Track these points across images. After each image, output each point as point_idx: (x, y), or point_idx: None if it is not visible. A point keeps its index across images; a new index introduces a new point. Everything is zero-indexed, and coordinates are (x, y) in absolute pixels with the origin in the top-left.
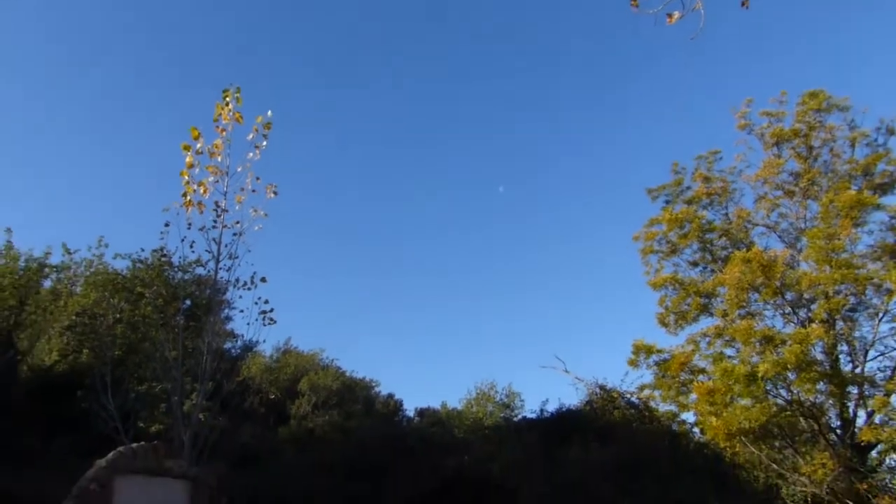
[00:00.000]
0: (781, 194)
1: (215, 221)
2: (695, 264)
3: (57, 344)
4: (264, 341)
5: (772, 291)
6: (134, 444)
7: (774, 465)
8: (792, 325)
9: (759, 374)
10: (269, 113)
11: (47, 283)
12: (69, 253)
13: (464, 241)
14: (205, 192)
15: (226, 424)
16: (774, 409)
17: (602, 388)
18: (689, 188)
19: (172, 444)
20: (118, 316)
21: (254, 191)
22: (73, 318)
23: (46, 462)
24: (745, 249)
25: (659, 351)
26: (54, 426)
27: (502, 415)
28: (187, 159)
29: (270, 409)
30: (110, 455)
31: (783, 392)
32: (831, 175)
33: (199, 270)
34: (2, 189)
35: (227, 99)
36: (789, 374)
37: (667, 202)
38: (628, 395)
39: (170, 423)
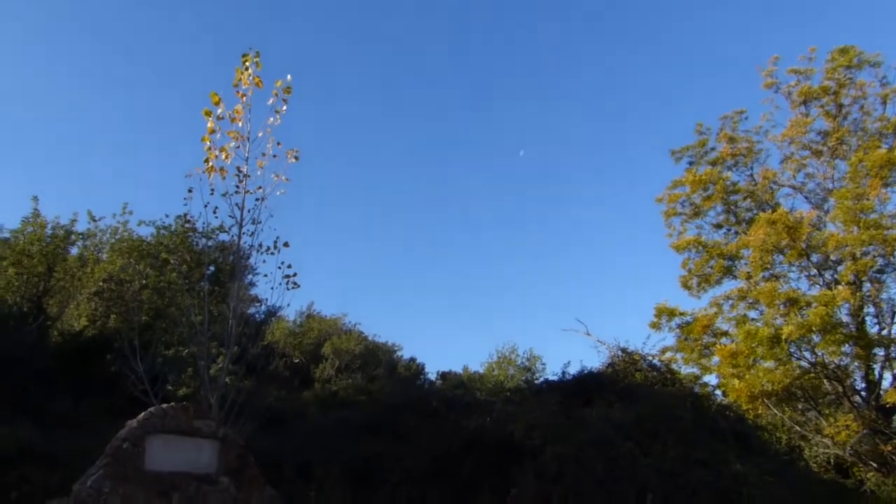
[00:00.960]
0: (809, 154)
1: (237, 187)
2: (718, 226)
3: (85, 309)
4: (288, 305)
5: (797, 253)
6: (164, 405)
7: (797, 427)
8: (817, 287)
9: (783, 337)
10: (289, 77)
11: (74, 251)
12: (94, 220)
13: (485, 206)
14: (227, 157)
15: (252, 387)
16: (798, 371)
17: (624, 350)
18: (713, 149)
19: (200, 405)
20: (144, 282)
21: (275, 156)
22: (101, 284)
23: (78, 423)
24: (770, 211)
25: (681, 314)
26: (84, 389)
27: (523, 378)
28: (209, 125)
29: (295, 373)
30: (141, 415)
31: (807, 354)
32: (861, 134)
33: (223, 236)
34: (27, 157)
35: (247, 64)
36: (814, 337)
37: (690, 164)
38: (650, 358)
39: (197, 386)
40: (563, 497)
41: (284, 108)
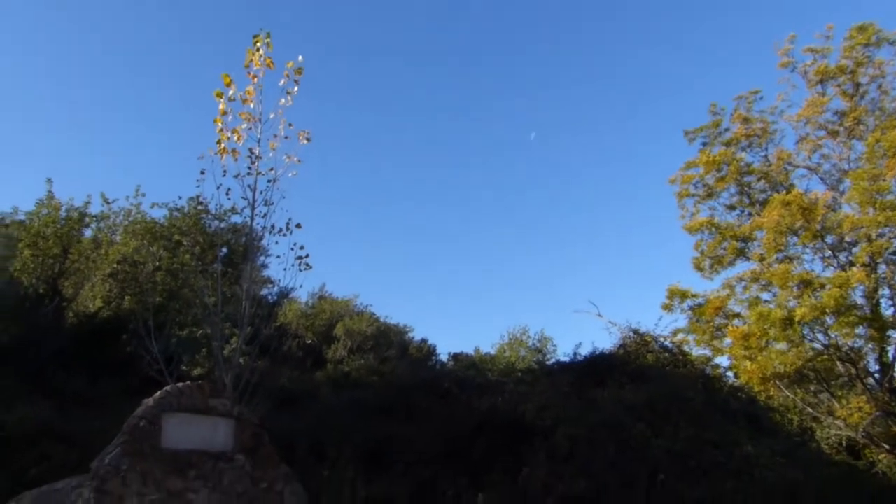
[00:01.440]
0: (824, 134)
1: (250, 168)
2: (732, 208)
3: (100, 291)
4: (301, 286)
5: (811, 235)
6: (179, 384)
7: (809, 409)
8: (832, 268)
9: (796, 319)
10: (300, 58)
11: (88, 233)
12: (108, 202)
13: (496, 189)
14: (239, 139)
15: (265, 368)
16: (811, 353)
17: (636, 332)
18: (727, 130)
19: (215, 385)
20: (157, 264)
21: (286, 137)
22: (115, 266)
23: (94, 403)
24: (784, 192)
25: (693, 296)
26: (101, 369)
27: (535, 359)
28: (220, 106)
29: (307, 354)
30: (157, 394)
31: (820, 336)
32: (878, 113)
33: (235, 218)
34: (40, 139)
35: (258, 45)
36: (827, 319)
37: (704, 144)
38: (662, 340)
39: (211, 366)
40: (575, 477)
41: (296, 89)
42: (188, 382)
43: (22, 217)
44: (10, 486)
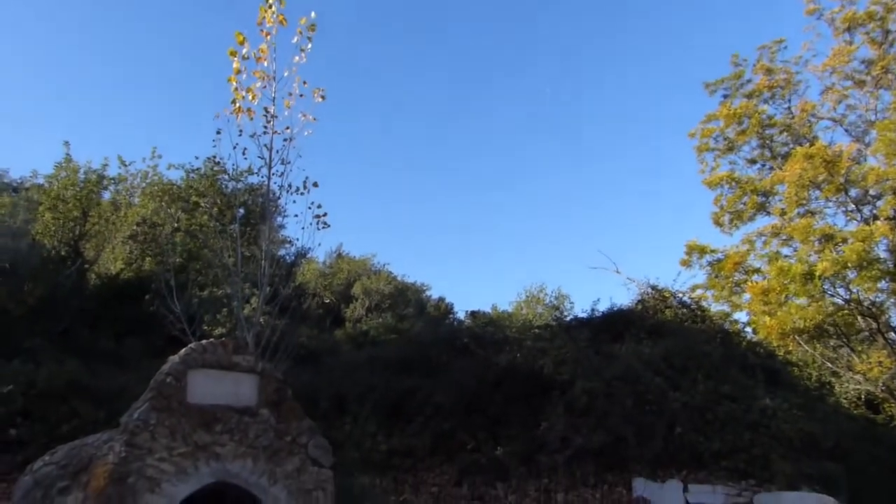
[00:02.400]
0: (851, 84)
1: (265, 127)
2: (753, 162)
3: (121, 253)
4: (319, 245)
5: (835, 188)
6: (203, 341)
7: (828, 364)
8: (854, 222)
9: (817, 273)
10: (313, 14)
11: (106, 195)
12: (125, 165)
13: (512, 146)
14: (253, 98)
15: (285, 327)
16: (831, 308)
17: (654, 287)
18: (749, 81)
19: (237, 343)
20: (176, 225)
21: (301, 95)
22: (134, 227)
23: (120, 361)
24: (807, 145)
25: (712, 251)
26: (124, 329)
27: (552, 316)
28: (234, 65)
29: (326, 313)
30: (182, 351)
31: (841, 291)
32: None
33: (251, 179)
34: (55, 103)
35: (271, 1)
36: (849, 273)
37: (725, 97)
38: (680, 295)
39: (232, 325)
40: (592, 430)
41: (309, 46)
42: (212, 339)
43: (41, 181)
44: (44, 442)
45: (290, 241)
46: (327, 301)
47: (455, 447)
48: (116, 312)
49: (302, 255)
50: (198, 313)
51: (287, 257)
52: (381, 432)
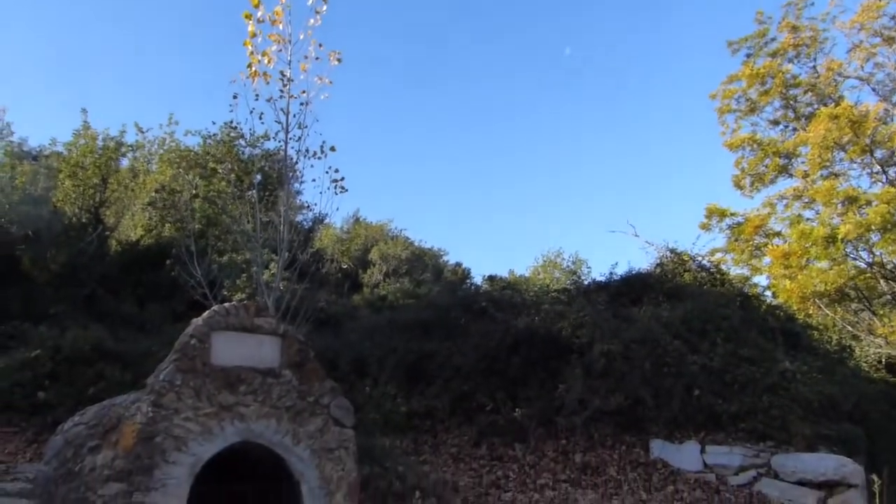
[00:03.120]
0: (879, 41)
1: (282, 91)
2: (775, 123)
3: (141, 220)
4: (337, 209)
5: (860, 149)
6: (226, 304)
7: (849, 328)
8: (879, 184)
9: (840, 236)
10: None
11: (124, 162)
12: (142, 132)
13: (529, 108)
14: (269, 62)
15: (304, 292)
16: (853, 271)
17: (673, 251)
18: (773, 39)
19: (259, 306)
20: (194, 191)
21: (317, 58)
22: (153, 194)
23: (143, 326)
24: (832, 105)
25: (733, 214)
26: (146, 295)
27: (569, 280)
28: (249, 28)
29: (344, 278)
30: (206, 314)
31: (864, 254)
32: None
33: (269, 145)
34: (71, 71)
35: None
36: (872, 236)
37: (748, 56)
38: (699, 259)
39: (252, 290)
40: (610, 392)
41: (325, 7)
42: (234, 302)
43: (60, 148)
44: (72, 404)
45: (307, 207)
46: (345, 266)
47: (474, 409)
48: (138, 278)
49: (319, 220)
50: (218, 278)
51: (304, 223)
52: (401, 394)
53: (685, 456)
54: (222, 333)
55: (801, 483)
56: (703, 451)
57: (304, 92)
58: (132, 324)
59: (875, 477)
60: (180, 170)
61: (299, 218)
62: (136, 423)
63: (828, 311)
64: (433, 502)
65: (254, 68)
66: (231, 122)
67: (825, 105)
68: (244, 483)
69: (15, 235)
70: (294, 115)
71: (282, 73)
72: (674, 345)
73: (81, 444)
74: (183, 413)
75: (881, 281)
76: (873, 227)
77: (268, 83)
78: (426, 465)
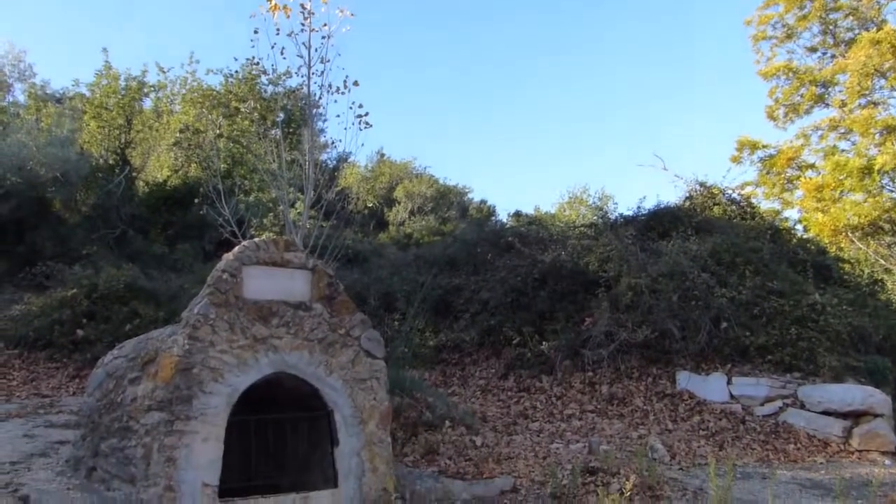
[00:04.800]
0: None
1: (303, 25)
2: (813, 50)
3: (166, 160)
4: (362, 146)
5: None
6: (256, 239)
7: (881, 261)
8: None
9: (876, 167)
10: None
11: (147, 103)
12: (163, 72)
13: (554, 39)
14: None
15: (330, 230)
16: (888, 203)
17: (702, 184)
18: None
19: (288, 241)
20: (218, 131)
21: None
22: (177, 135)
23: (174, 265)
24: (874, 29)
25: (765, 146)
26: (175, 234)
27: (596, 215)
28: None
29: (370, 217)
30: (236, 249)
31: None
32: None
33: (290, 82)
34: (89, 11)
35: None
36: None
37: None
38: (729, 192)
39: (280, 229)
40: (637, 325)
41: None
42: (264, 238)
43: (83, 89)
44: (109, 340)
45: (332, 145)
46: (370, 205)
47: (501, 342)
48: (167, 218)
49: (343, 158)
50: (245, 217)
51: (329, 162)
52: (429, 328)
53: (711, 387)
54: (253, 268)
55: (827, 413)
56: (729, 382)
57: (325, 25)
58: (163, 263)
59: None
60: (203, 109)
61: (324, 157)
62: (173, 355)
63: (860, 245)
64: (462, 431)
65: (274, 2)
66: (252, 58)
67: (867, 30)
68: (279, 413)
69: (44, 178)
70: (316, 50)
71: (302, 5)
72: (702, 278)
73: (122, 377)
74: (218, 346)
75: None
76: None
77: (288, 17)
78: (455, 397)
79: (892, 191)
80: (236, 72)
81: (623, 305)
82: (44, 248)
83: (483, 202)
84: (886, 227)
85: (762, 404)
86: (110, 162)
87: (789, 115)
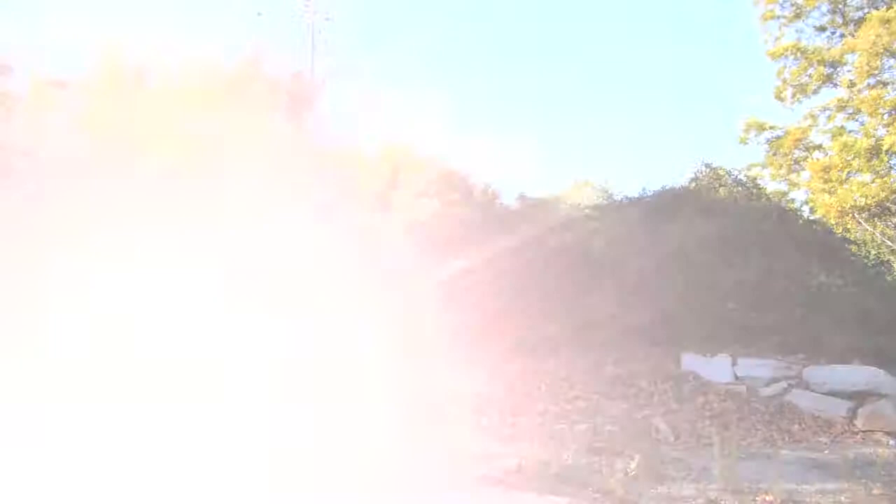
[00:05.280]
0: None
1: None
2: (822, 29)
3: None
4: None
5: None
6: None
7: (888, 242)
8: None
9: (884, 148)
10: None
11: None
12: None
13: (562, 24)
14: None
15: None
16: None
17: (708, 166)
18: None
19: None
20: None
21: None
22: None
23: None
24: (884, 8)
25: (772, 128)
26: None
27: (602, 197)
28: None
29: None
30: None
31: None
32: None
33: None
34: None
35: None
36: None
37: None
38: (736, 173)
39: None
40: (642, 307)
41: None
42: None
43: None
44: None
45: None
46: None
47: (506, 324)
48: None
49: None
50: None
51: None
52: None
53: (716, 368)
54: None
55: (832, 394)
56: (734, 363)
57: None
58: None
59: None
60: None
61: None
62: None
63: (867, 226)
64: (467, 412)
65: None
66: None
67: (877, 8)
68: None
69: None
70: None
71: None
72: (708, 259)
73: None
74: None
75: None
76: None
77: None
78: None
79: None
80: None
81: (629, 287)
82: None
83: (487, 185)
84: (894, 208)
85: (767, 385)
86: None
87: (797, 96)
